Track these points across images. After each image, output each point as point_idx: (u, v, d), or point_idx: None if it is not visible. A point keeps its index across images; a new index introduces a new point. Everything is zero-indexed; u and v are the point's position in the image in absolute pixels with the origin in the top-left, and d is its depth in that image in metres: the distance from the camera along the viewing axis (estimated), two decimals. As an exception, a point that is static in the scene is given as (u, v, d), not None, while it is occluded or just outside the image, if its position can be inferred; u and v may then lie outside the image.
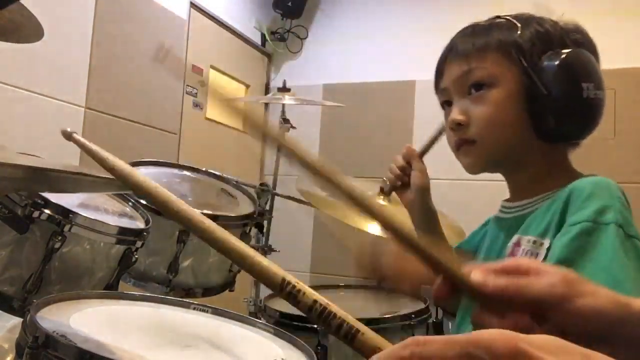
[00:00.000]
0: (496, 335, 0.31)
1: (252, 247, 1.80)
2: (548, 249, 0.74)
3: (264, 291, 1.82)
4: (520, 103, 0.82)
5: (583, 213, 0.71)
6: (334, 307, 0.40)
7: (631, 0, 3.20)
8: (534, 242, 0.78)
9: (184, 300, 1.21)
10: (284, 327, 1.24)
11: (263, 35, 3.98)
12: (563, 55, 0.80)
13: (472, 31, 0.87)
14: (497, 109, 0.82)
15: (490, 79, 0.83)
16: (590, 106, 0.80)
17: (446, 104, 0.91)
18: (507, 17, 0.87)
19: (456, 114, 0.85)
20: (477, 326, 0.45)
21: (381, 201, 1.87)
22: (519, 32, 0.83)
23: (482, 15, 0.93)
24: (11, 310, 1.16)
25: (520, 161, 0.86)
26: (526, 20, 0.85)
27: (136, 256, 1.33)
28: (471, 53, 0.84)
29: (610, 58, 3.91)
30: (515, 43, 0.83)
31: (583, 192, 0.73)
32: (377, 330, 0.40)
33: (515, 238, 0.83)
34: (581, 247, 0.68)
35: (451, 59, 0.88)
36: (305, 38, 3.99)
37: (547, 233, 0.76)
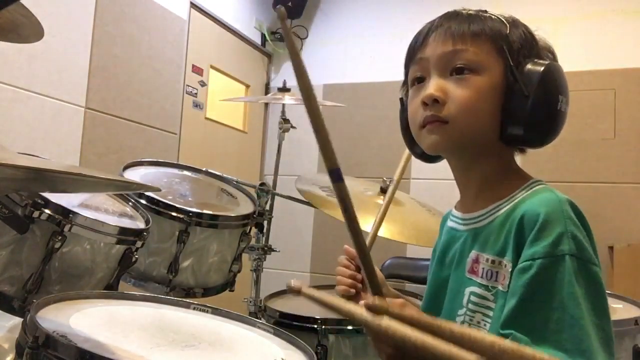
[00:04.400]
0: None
1: (252, 247, 1.79)
2: (511, 272, 0.76)
3: (264, 291, 1.82)
4: (499, 97, 0.83)
5: (539, 246, 0.73)
6: None
7: (631, 0, 3.20)
8: (493, 261, 0.80)
9: (184, 300, 1.22)
10: (284, 327, 1.24)
11: (263, 35, 3.98)
12: (548, 63, 0.82)
13: (468, 15, 0.88)
14: (479, 96, 0.83)
15: (478, 65, 0.83)
16: (560, 118, 0.83)
17: (417, 81, 0.90)
18: (496, 15, 0.88)
19: (434, 89, 0.84)
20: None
21: (381, 201, 1.87)
22: (508, 31, 0.85)
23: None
24: (11, 310, 1.16)
25: (478, 155, 0.87)
26: (514, 22, 0.87)
27: (136, 256, 1.33)
28: (466, 35, 0.85)
29: (610, 58, 3.89)
30: (507, 39, 0.84)
31: (537, 219, 0.75)
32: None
33: (473, 254, 0.84)
34: (540, 286, 0.72)
35: (441, 34, 0.87)
36: (305, 38, 4.00)
37: (504, 253, 0.78)
